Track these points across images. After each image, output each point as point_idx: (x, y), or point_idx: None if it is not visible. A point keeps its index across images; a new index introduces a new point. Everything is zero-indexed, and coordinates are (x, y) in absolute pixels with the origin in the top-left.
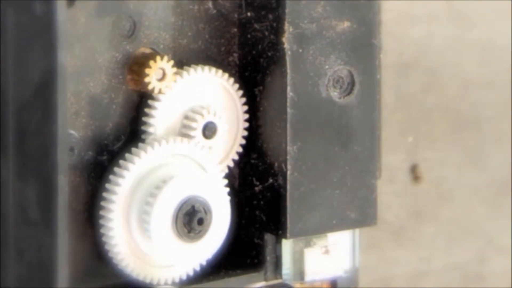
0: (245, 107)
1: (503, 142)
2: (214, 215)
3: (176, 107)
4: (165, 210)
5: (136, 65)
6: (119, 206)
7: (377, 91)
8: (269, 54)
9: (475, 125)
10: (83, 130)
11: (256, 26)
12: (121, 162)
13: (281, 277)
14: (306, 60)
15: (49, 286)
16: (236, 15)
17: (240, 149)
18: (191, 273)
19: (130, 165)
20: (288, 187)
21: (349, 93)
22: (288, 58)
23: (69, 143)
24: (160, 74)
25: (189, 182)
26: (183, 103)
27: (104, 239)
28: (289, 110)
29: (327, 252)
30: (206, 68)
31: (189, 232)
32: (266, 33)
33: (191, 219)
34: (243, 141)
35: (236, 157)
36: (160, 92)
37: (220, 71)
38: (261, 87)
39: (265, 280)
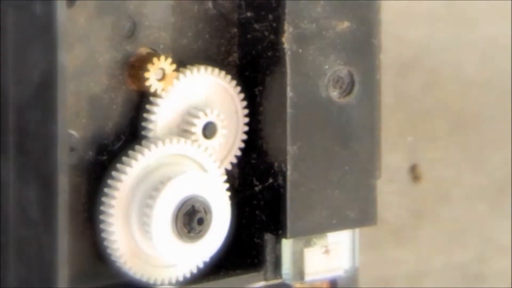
0: (245, 107)
1: (503, 142)
2: (214, 215)
3: (176, 107)
4: (165, 210)
5: (136, 65)
6: (119, 206)
7: (377, 91)
8: (269, 54)
9: (475, 125)
10: (83, 130)
11: (256, 26)
12: (121, 161)
13: (281, 277)
14: (306, 60)
15: (49, 286)
16: (236, 15)
17: (240, 149)
18: (191, 273)
19: (130, 165)
20: (288, 187)
21: (349, 93)
22: (287, 58)
23: (69, 143)
24: (160, 74)
25: (189, 182)
26: (183, 103)
27: (104, 238)
28: (289, 110)
29: (327, 252)
30: (206, 68)
31: (189, 232)
32: (266, 33)
33: (191, 219)
34: (243, 141)
35: (236, 157)
36: (160, 92)
37: (220, 71)
38: (261, 87)
39: (265, 280)
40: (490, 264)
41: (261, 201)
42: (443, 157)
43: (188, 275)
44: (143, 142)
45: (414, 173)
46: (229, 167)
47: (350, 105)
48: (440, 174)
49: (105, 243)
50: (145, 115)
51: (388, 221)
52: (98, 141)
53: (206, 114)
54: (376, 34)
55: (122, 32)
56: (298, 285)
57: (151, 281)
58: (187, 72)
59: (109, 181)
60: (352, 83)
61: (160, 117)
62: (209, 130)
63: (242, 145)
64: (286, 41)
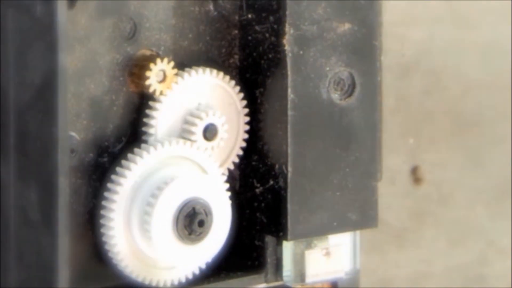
0: (246, 109)
1: (504, 143)
2: (214, 217)
3: (176, 109)
4: (165, 212)
5: (136, 67)
6: (119, 207)
7: (378, 92)
8: (270, 56)
9: (476, 127)
10: (84, 132)
11: (257, 28)
12: (122, 164)
13: (282, 279)
14: (307, 62)
15: (50, 287)
16: (237, 17)
17: (241, 151)
18: (191, 275)
19: (130, 167)
20: (289, 189)
21: (350, 95)
22: (289, 60)
23: (70, 145)
24: (160, 76)
25: (189, 184)
26: (184, 105)
27: (104, 240)
28: (289, 112)
29: (328, 254)
30: (207, 70)
31: (189, 234)
32: (267, 35)
33: (191, 221)
34: (244, 143)
35: (237, 159)
36: (160, 94)
37: (221, 73)
38: (262, 89)
39: (266, 282)
40: (491, 266)
41: (262, 203)
42: (444, 159)
43: (189, 277)
44: (144, 144)
45: (415, 175)
46: (230, 168)
47: (351, 107)
48: (441, 176)
49: (106, 244)
50: (146, 116)
51: (389, 223)
52: (98, 143)
53: (206, 116)
54: (377, 36)
55: (122, 34)
56: (299, 287)
57: (152, 283)
58: (188, 73)
59: (110, 184)
60: (353, 85)
61: (161, 118)
62: (209, 132)
63: (243, 147)
64: (287, 43)
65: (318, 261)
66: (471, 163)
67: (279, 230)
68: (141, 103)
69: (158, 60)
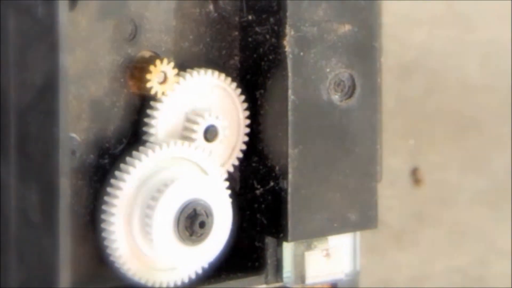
0: (246, 110)
1: (504, 145)
2: (215, 218)
3: (177, 110)
4: (166, 213)
5: (137, 69)
6: (120, 209)
7: (378, 94)
8: (270, 57)
9: (476, 128)
10: (85, 133)
11: (257, 29)
12: (122, 165)
13: (282, 280)
14: (307, 63)
15: None
16: (237, 18)
17: (241, 152)
18: (192, 276)
19: (131, 168)
20: (289, 190)
21: (350, 96)
22: (289, 61)
23: (70, 146)
24: (161, 77)
25: (190, 185)
26: (185, 106)
27: (105, 242)
28: (290, 113)
29: (328, 255)
30: (207, 71)
31: (190, 235)
32: (267, 36)
33: (192, 222)
34: (244, 144)
35: (237, 161)
36: (161, 95)
37: (221, 74)
38: (262, 90)
39: (266, 283)
40: (491, 268)
41: (262, 205)
42: (444, 160)
43: (189, 278)
44: (144, 145)
45: (415, 177)
46: (231, 170)
47: (351, 108)
48: (441, 178)
49: (107, 246)
50: (146, 118)
51: (389, 225)
52: (99, 144)
53: (207, 117)
54: (377, 37)
55: (123, 35)
56: None
57: (153, 284)
58: (189, 75)
59: (111, 185)
60: (353, 86)
61: (162, 120)
62: (210, 133)
63: (244, 148)
64: (288, 44)
65: (318, 262)
66: (471, 164)
67: (279, 231)
68: (141, 105)
69: (159, 62)
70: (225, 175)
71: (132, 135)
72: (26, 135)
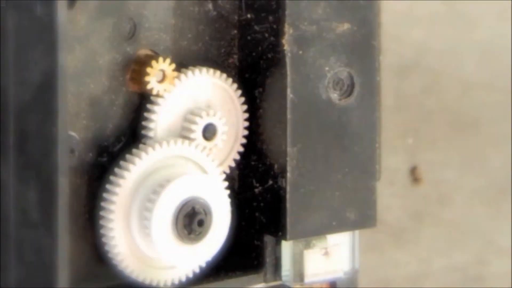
0: (245, 109)
1: (503, 143)
2: (214, 216)
3: (176, 109)
4: (165, 211)
5: (136, 67)
6: (119, 207)
7: (377, 92)
8: (269, 56)
9: (475, 127)
10: (84, 131)
11: (256, 28)
12: (121, 163)
13: (280, 279)
14: (306, 62)
15: (50, 287)
16: (236, 17)
17: (240, 151)
18: (191, 274)
19: (130, 167)
20: (288, 188)
21: (349, 94)
22: (288, 60)
23: (69, 144)
24: (160, 75)
25: (189, 184)
26: (183, 104)
27: (104, 240)
28: (289, 112)
29: (326, 253)
30: (206, 69)
31: (189, 233)
32: (266, 34)
33: (191, 220)
34: (243, 143)
35: (236, 159)
36: (160, 93)
37: (220, 73)
38: (261, 89)
39: (265, 281)
40: (490, 266)
41: (261, 203)
42: (443, 159)
43: (188, 276)
44: (143, 144)
45: (414, 175)
46: (229, 169)
47: (350, 107)
48: (440, 176)
49: (105, 244)
50: (145, 116)
51: (388, 223)
52: (98, 142)
53: (206, 116)
54: (376, 36)
55: (122, 34)
56: (297, 286)
57: (151, 283)
58: (187, 73)
59: (109, 183)
60: (352, 85)
61: (160, 118)
62: (209, 132)
63: (242, 146)
64: (286, 43)
65: (317, 260)
66: (470, 163)
67: (278, 230)
68: (140, 103)
69: (158, 60)
70: (224, 174)
71: (131, 133)
72: (25, 133)
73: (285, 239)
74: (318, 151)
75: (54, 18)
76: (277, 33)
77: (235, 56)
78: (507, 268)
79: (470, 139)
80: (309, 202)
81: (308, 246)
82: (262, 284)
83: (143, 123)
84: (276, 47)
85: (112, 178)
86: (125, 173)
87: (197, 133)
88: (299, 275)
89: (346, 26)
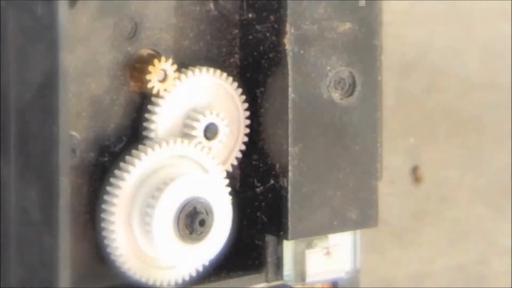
0: (246, 109)
1: (504, 143)
2: (215, 216)
3: (177, 108)
4: (166, 211)
5: (137, 67)
6: (120, 207)
7: (378, 92)
8: (271, 55)
9: (476, 126)
10: (85, 131)
11: (258, 27)
12: (122, 163)
13: (282, 279)
14: (308, 61)
15: (51, 287)
16: (237, 17)
17: (242, 150)
18: (192, 274)
19: (131, 166)
20: (290, 188)
21: (351, 94)
22: (289, 60)
23: (70, 144)
24: (161, 75)
25: (190, 184)
26: (185, 104)
27: (105, 240)
28: (290, 111)
29: (328, 253)
30: (208, 69)
31: (190, 233)
32: (268, 34)
33: (192, 220)
34: (245, 142)
35: (238, 158)
36: (161, 93)
37: (221, 73)
38: (262, 88)
39: (266, 281)
40: (492, 266)
41: (263, 203)
42: (445, 158)
43: (189, 276)
44: (144, 143)
45: (416, 175)
46: (231, 168)
47: (351, 106)
48: (441, 176)
49: (106, 244)
50: (146, 116)
51: (389, 223)
52: (99, 142)
53: (207, 115)
54: (377, 35)
55: (123, 33)
56: (299, 286)
57: (152, 283)
58: (189, 73)
59: (110, 183)
60: (353, 84)
61: (162, 118)
62: (210, 131)
63: (244, 146)
64: (288, 42)
65: (318, 260)
66: (471, 162)
67: (279, 230)
68: (142, 103)
69: (159, 60)
70: (225, 173)
71: (132, 133)
72: (26, 133)
73: (287, 238)
74: (319, 150)
75: (55, 18)
76: (279, 33)
77: (236, 56)
78: (509, 268)
79: (471, 139)
80: (311, 202)
81: (309, 245)
82: (264, 284)
83: (145, 122)
84: (277, 47)
85: (113, 178)
86: (126, 173)
87: (199, 133)
88: (301, 275)
89: (347, 25)
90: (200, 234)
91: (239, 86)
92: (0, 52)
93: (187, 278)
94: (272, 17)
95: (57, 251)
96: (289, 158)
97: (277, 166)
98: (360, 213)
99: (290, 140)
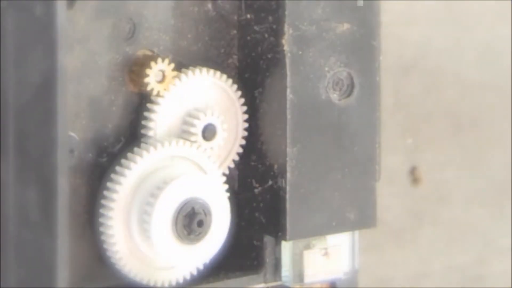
0: (245, 109)
1: (503, 144)
2: (214, 217)
3: (175, 109)
4: (165, 212)
5: (136, 67)
6: (119, 208)
7: (376, 93)
8: (269, 56)
9: (475, 127)
10: (83, 132)
11: (256, 28)
12: (121, 163)
13: (280, 279)
14: (306, 62)
15: (49, 287)
16: (236, 17)
17: (240, 151)
18: (190, 275)
19: (130, 167)
20: (288, 189)
21: (349, 95)
22: (287, 60)
23: (69, 145)
24: (160, 76)
25: (189, 184)
26: (183, 105)
27: (104, 241)
28: (288, 112)
29: (326, 254)
30: (206, 70)
31: (189, 234)
32: (266, 35)
33: (191, 221)
34: (243, 143)
35: (236, 159)
36: (160, 94)
37: (219, 73)
38: (260, 89)
39: (265, 282)
40: (490, 266)
41: (261, 203)
42: (443, 159)
43: (187, 277)
44: (143, 144)
45: (414, 175)
46: (229, 169)
47: (350, 107)
48: (440, 176)
49: (105, 245)
50: (145, 116)
51: (387, 223)
52: (98, 143)
53: (205, 116)
54: (376, 36)
55: (122, 34)
56: (297, 287)
57: (151, 283)
58: (187, 74)
59: (109, 183)
60: (352, 85)
61: (160, 119)
62: (208, 132)
63: (242, 147)
64: (286, 43)
65: (316, 261)
66: (470, 163)
67: (278, 230)
68: (140, 103)
69: (157, 60)
70: (224, 174)
71: (130, 133)
72: (24, 133)
73: (285, 239)
74: (317, 151)
75: (53, 19)
76: (277, 33)
77: (235, 56)
78: (507, 268)
79: (469, 139)
80: (309, 203)
81: (308, 246)
82: (262, 285)
83: (143, 123)
84: (275, 47)
85: (112, 177)
86: (125, 173)
87: (197, 134)
88: (299, 276)
89: (346, 26)
90: (199, 235)
91: (237, 87)
92: None
93: (185, 279)
94: (270, 18)
95: (56, 252)
96: (287, 158)
97: (276, 166)
98: (359, 213)
99: (288, 140)
